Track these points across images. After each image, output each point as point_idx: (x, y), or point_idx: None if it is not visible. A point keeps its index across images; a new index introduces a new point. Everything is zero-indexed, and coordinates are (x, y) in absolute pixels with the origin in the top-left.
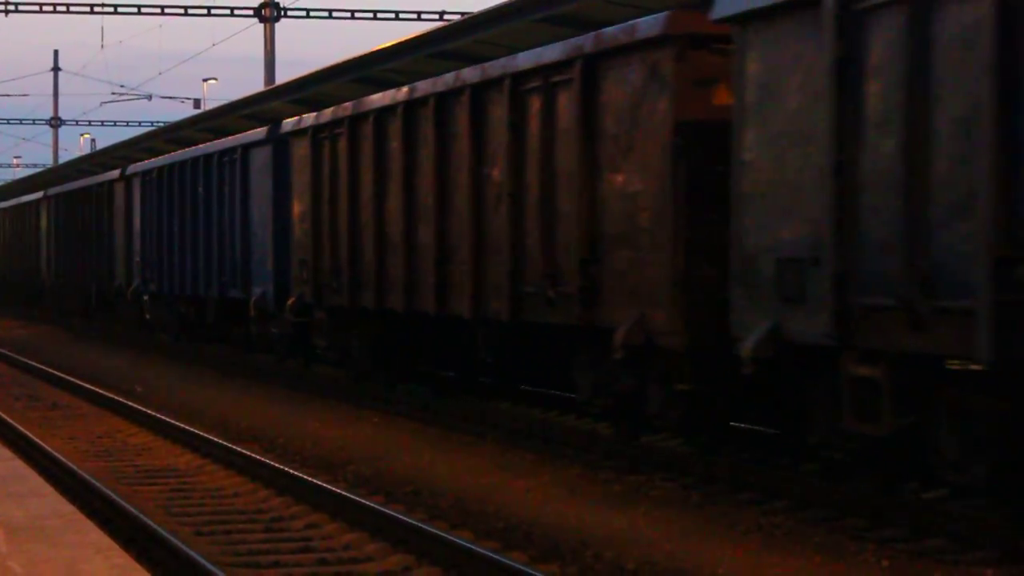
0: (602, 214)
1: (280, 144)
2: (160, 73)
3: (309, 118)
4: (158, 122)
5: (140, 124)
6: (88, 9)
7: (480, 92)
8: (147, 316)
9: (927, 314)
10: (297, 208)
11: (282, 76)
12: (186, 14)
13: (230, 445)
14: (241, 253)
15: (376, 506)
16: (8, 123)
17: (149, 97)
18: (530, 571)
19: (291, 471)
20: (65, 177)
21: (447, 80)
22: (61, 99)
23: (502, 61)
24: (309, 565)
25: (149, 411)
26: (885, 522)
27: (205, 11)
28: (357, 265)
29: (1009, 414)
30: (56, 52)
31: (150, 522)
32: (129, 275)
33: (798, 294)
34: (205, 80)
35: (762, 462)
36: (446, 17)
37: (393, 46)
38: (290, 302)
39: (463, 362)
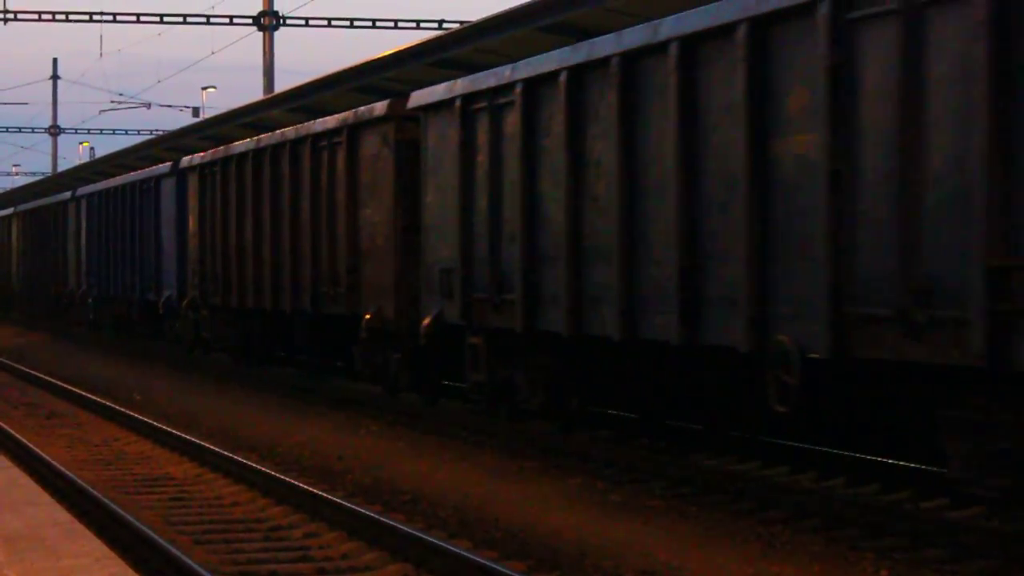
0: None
1: (181, 176)
2: (159, 81)
3: (197, 157)
4: (157, 130)
5: (139, 132)
6: (87, 17)
7: (295, 146)
8: (91, 316)
9: (502, 304)
10: (191, 228)
11: (281, 84)
12: (185, 22)
13: (228, 454)
14: (154, 263)
15: (375, 515)
16: (7, 131)
17: (148, 105)
18: None
19: (290, 480)
20: (35, 194)
21: (275, 136)
22: (60, 107)
23: (307, 125)
24: (308, 574)
25: (147, 419)
26: (884, 531)
27: (204, 19)
28: (227, 272)
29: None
30: (55, 60)
31: (148, 531)
32: (79, 282)
33: (449, 292)
34: (204, 88)
35: (617, 442)
36: (445, 26)
37: (392, 55)
38: (185, 302)
39: (288, 347)
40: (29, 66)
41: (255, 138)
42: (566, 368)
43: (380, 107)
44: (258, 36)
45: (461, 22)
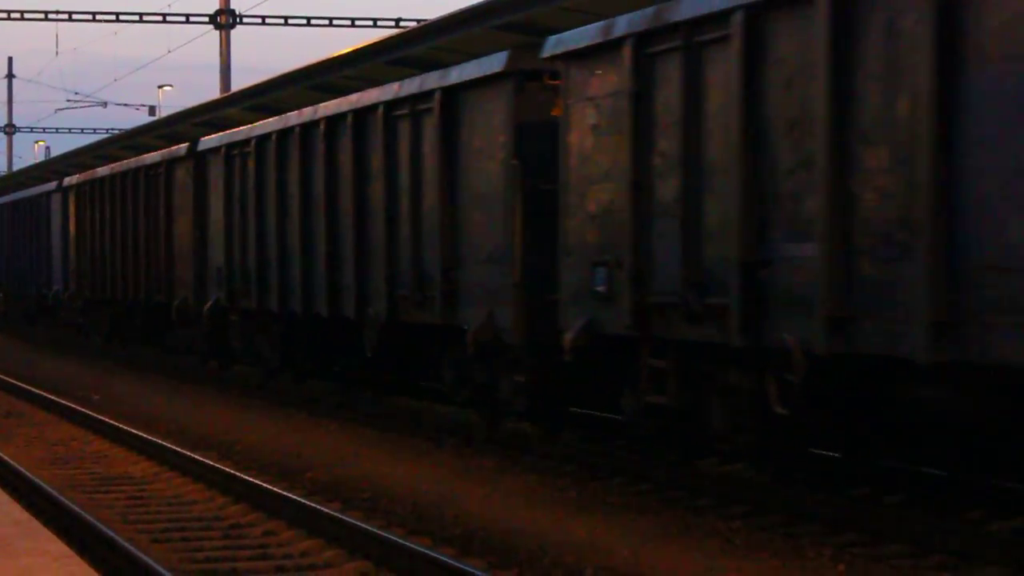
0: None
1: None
2: (115, 80)
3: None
4: (113, 129)
5: (95, 131)
6: (42, 16)
7: (135, 174)
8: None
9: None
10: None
11: (238, 83)
12: (141, 21)
13: (187, 452)
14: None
15: (333, 513)
16: None
17: (104, 104)
18: None
19: (248, 478)
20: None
21: (123, 164)
22: (15, 106)
23: (140, 158)
24: (267, 572)
25: (106, 419)
26: (843, 527)
27: (160, 18)
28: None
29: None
30: (10, 59)
31: (107, 530)
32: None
33: (218, 285)
34: (160, 87)
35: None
36: (402, 24)
37: (349, 53)
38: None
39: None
40: None
41: (121, 163)
42: (293, 336)
43: (182, 148)
44: (215, 34)
45: (418, 20)
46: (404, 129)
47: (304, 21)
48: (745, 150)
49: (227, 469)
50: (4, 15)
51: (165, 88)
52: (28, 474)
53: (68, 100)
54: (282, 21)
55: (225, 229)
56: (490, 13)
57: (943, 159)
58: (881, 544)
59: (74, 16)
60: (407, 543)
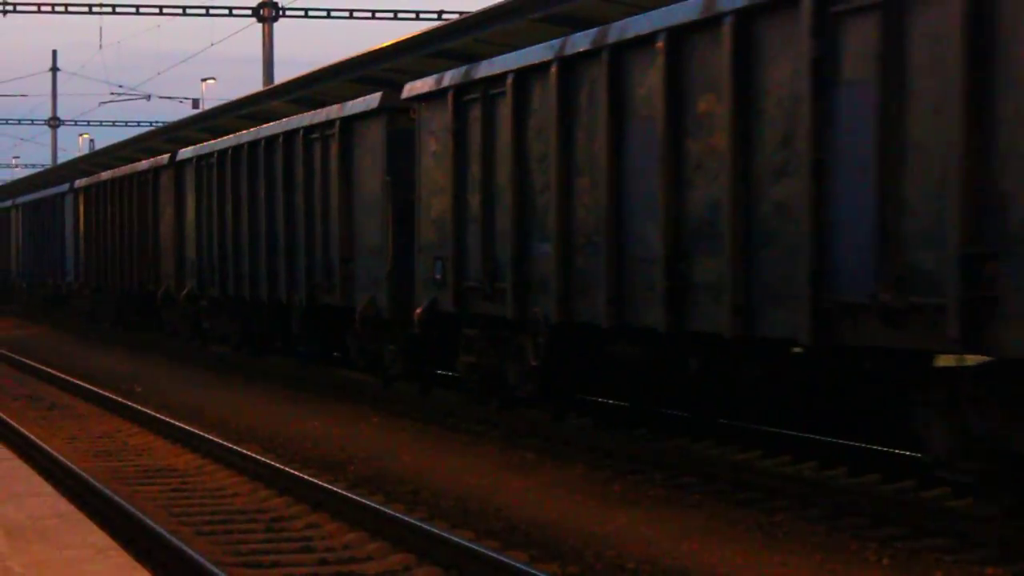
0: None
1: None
2: (159, 73)
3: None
4: (157, 122)
5: (139, 124)
6: (86, 9)
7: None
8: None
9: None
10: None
11: (280, 76)
12: (184, 14)
13: (230, 445)
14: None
15: (376, 505)
16: (7, 123)
17: (148, 97)
18: (531, 570)
19: (291, 471)
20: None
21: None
22: (60, 99)
23: (133, 166)
24: (309, 565)
25: (149, 411)
26: (886, 521)
27: (203, 11)
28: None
29: None
30: (55, 52)
31: (150, 522)
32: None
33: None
34: (204, 80)
35: (618, 431)
36: (445, 16)
37: (392, 45)
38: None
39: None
40: (29, 58)
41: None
42: (249, 317)
43: (165, 158)
44: (257, 27)
45: (460, 13)
46: (317, 149)
47: (347, 14)
48: (515, 176)
49: (270, 462)
50: (48, 8)
51: (208, 81)
52: (72, 466)
53: (112, 93)
54: (325, 14)
55: (196, 228)
56: (532, 5)
57: (615, 185)
58: (925, 537)
59: (118, 9)
60: (450, 536)
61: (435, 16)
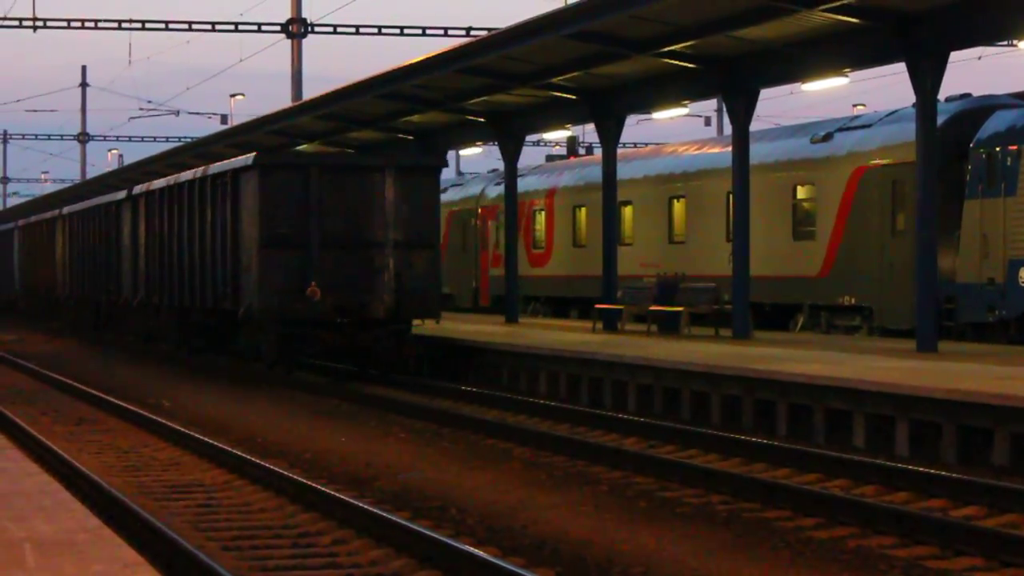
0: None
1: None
2: (188, 88)
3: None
4: (185, 137)
5: (168, 140)
6: (116, 25)
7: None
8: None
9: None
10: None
11: (309, 92)
12: (213, 30)
13: (257, 460)
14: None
15: (403, 522)
16: (36, 138)
17: (177, 113)
18: None
19: (318, 487)
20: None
21: (187, 175)
22: (89, 115)
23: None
24: None
25: (176, 426)
26: (915, 540)
27: (232, 27)
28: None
29: None
30: (84, 68)
31: (178, 537)
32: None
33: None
34: (232, 95)
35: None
36: (473, 33)
37: (420, 62)
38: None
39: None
40: (58, 74)
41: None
42: (184, 322)
43: (123, 192)
44: (286, 43)
45: (489, 29)
46: (219, 193)
47: (375, 30)
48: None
49: (297, 477)
50: (78, 24)
51: (237, 97)
52: (100, 481)
53: (141, 108)
54: (353, 30)
55: (146, 248)
56: (560, 23)
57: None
58: (954, 556)
59: (147, 25)
60: (476, 552)
61: (464, 32)
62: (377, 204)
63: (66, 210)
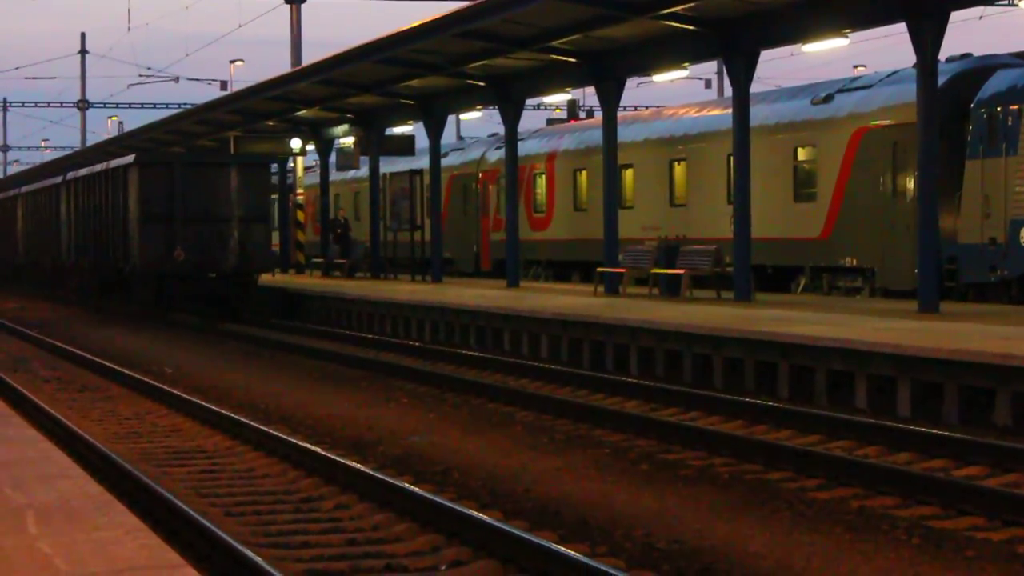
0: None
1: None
2: (187, 55)
3: (75, 172)
4: (185, 104)
5: (167, 106)
6: None
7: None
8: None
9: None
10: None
11: (308, 57)
12: None
13: (259, 426)
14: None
15: (405, 486)
16: (36, 106)
17: (176, 79)
18: (560, 550)
19: (320, 451)
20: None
21: (96, 169)
22: (88, 82)
23: (101, 166)
24: (338, 545)
25: (178, 392)
26: (918, 500)
27: None
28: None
29: None
30: (83, 35)
31: (180, 503)
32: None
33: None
34: (232, 62)
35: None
36: None
37: (420, 26)
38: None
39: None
40: (57, 41)
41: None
42: (104, 280)
43: (59, 177)
44: (285, 9)
45: None
46: (118, 181)
47: None
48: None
49: (299, 442)
50: None
51: (236, 63)
52: (102, 447)
53: (140, 75)
54: None
55: (75, 222)
56: None
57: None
58: (957, 516)
59: None
60: (479, 515)
61: None
62: (224, 190)
63: (24, 189)
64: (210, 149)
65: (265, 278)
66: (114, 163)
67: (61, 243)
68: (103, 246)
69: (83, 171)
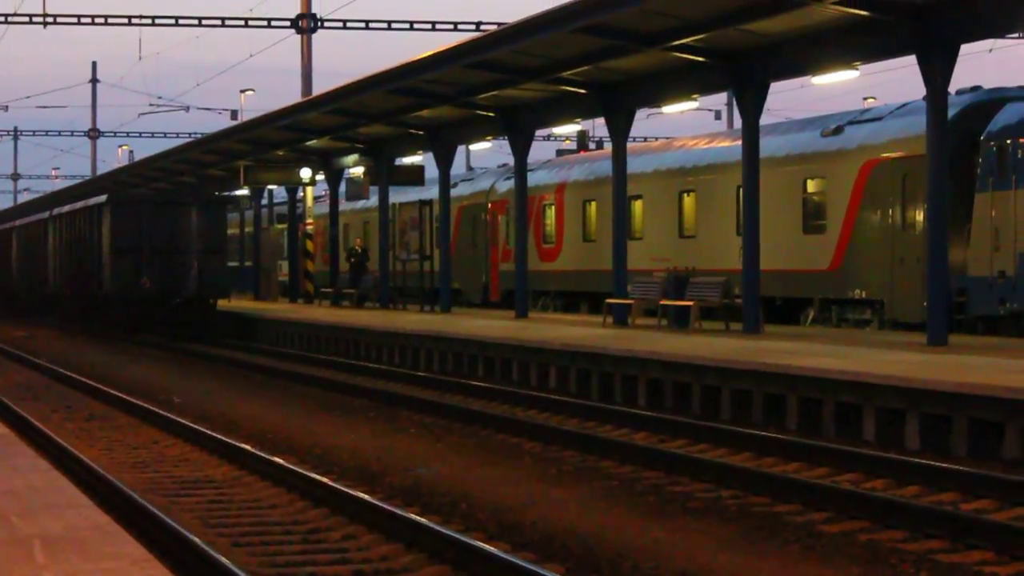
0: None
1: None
2: (197, 84)
3: (57, 209)
4: (195, 133)
5: (178, 135)
6: (126, 21)
7: (78, 213)
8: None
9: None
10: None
11: (319, 87)
12: (223, 25)
13: (267, 456)
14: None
15: (413, 517)
16: (47, 134)
17: (187, 108)
18: None
19: (328, 482)
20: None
21: (76, 206)
22: (99, 110)
23: (80, 203)
24: None
25: (186, 422)
26: (926, 533)
27: (242, 22)
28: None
29: None
30: (94, 64)
31: (188, 534)
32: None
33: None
34: (242, 91)
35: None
36: (483, 28)
37: (430, 57)
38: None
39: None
40: (68, 70)
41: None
42: (86, 304)
43: (47, 213)
44: (296, 38)
45: (499, 24)
46: (91, 218)
47: (385, 25)
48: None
49: (307, 473)
50: (88, 20)
51: (247, 92)
52: (109, 477)
53: (151, 104)
54: (363, 25)
55: (59, 254)
56: (570, 17)
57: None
58: (965, 550)
59: (157, 21)
60: (486, 548)
61: (473, 27)
62: (185, 226)
63: (19, 222)
64: (173, 190)
65: (275, 307)
66: (92, 201)
67: (48, 272)
68: (82, 275)
69: (66, 207)
